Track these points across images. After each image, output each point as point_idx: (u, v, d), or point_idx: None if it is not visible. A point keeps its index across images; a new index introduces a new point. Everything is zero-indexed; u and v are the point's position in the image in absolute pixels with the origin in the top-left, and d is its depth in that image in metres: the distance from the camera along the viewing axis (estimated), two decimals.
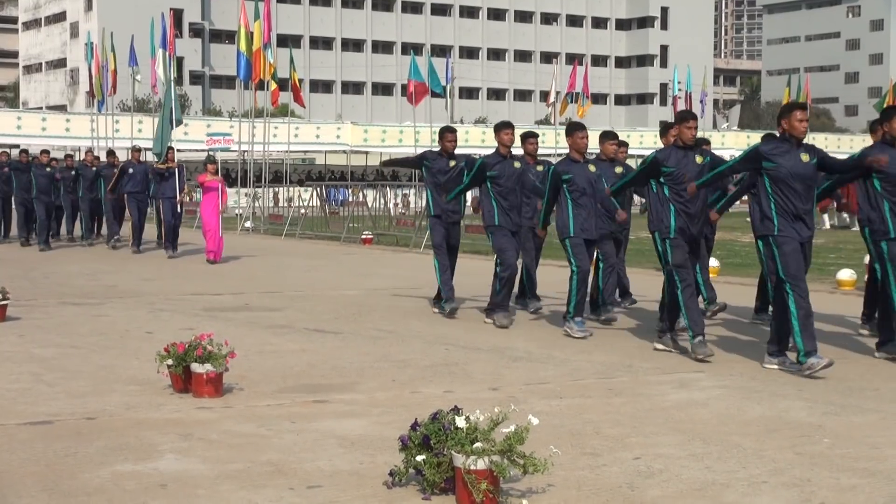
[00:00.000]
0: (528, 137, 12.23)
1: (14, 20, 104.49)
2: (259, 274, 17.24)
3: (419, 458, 5.10)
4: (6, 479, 5.42)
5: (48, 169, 23.13)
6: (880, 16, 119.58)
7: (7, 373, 8.30)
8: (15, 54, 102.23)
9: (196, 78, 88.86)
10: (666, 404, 7.37)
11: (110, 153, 24.45)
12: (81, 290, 14.40)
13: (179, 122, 22.86)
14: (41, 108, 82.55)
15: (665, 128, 10.57)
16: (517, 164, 11.53)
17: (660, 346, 9.73)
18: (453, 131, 12.65)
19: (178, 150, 25.66)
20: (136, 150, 22.70)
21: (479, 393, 7.66)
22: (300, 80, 42.26)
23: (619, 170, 11.68)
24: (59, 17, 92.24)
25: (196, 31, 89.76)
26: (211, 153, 22.95)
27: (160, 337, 9.49)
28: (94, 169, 23.12)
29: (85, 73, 60.84)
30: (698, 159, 9.46)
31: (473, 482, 4.86)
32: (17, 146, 45.24)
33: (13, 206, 24.05)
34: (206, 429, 6.51)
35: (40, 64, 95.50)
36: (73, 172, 23.25)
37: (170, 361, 7.49)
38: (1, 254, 20.95)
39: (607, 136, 11.92)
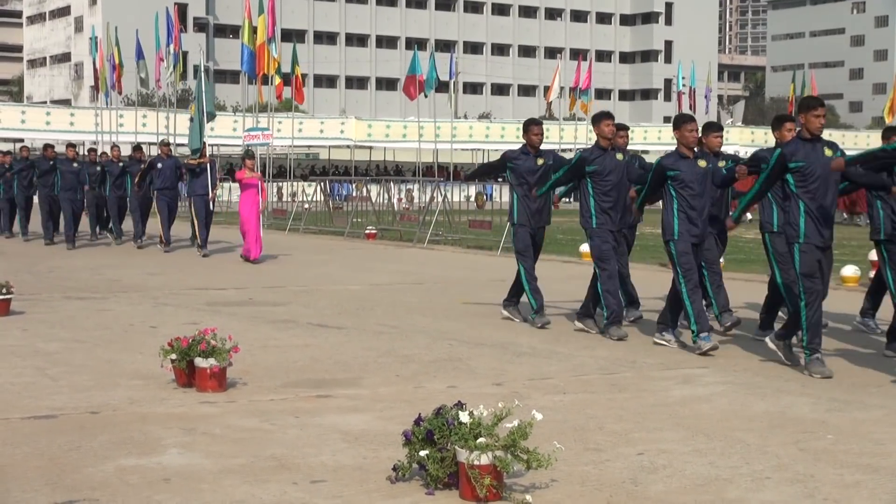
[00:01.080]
0: (619, 130, 10.87)
1: (18, 14, 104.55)
2: (262, 269, 17.24)
3: (423, 452, 5.11)
4: (10, 473, 5.43)
5: (75, 165, 22.01)
6: (885, 12, 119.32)
7: (11, 367, 8.31)
8: (19, 48, 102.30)
9: None
10: (669, 400, 7.37)
11: (136, 148, 23.55)
12: (85, 285, 14.42)
13: (213, 117, 22.08)
14: (45, 102, 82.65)
15: (778, 121, 9.78)
16: (620, 157, 10.53)
17: (660, 341, 9.72)
18: (539, 123, 11.33)
19: (180, 146, 25.05)
20: (165, 145, 21.75)
21: (483, 388, 7.66)
22: (304, 75, 42.22)
23: (721, 164, 10.30)
24: (64, 12, 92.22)
25: (200, 26, 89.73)
26: (249, 148, 21.47)
27: (164, 331, 9.50)
28: (121, 165, 22.12)
29: (89, 68, 60.97)
30: (827, 152, 8.62)
31: (477, 477, 4.87)
32: (21, 140, 45.29)
33: (24, 205, 23.22)
34: (209, 423, 6.51)
35: (44, 58, 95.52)
36: (98, 168, 22.14)
37: (173, 356, 7.50)
38: (5, 248, 20.96)
39: (711, 129, 10.54)
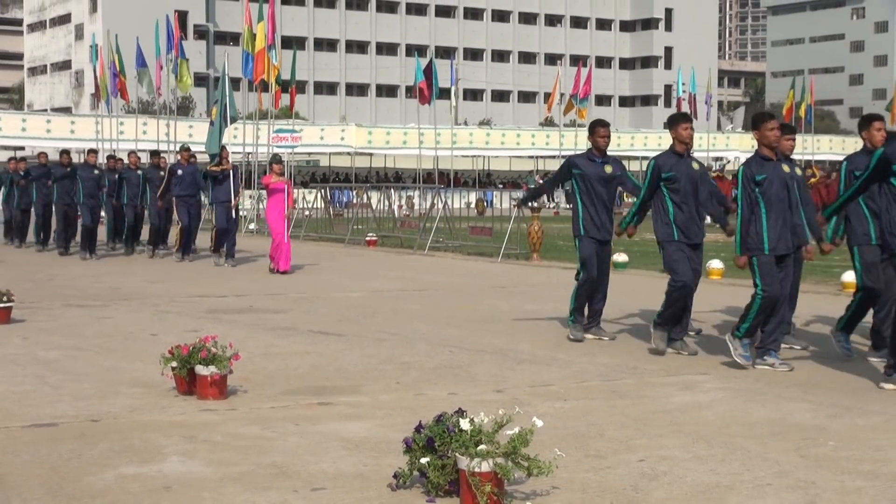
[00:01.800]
0: (784, 133, 9.52)
1: (19, 22, 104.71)
2: (263, 276, 17.24)
3: (423, 460, 5.10)
4: (11, 482, 5.42)
5: (96, 171, 21.02)
6: (885, 18, 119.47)
7: (11, 375, 8.31)
8: (20, 56, 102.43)
9: (200, 80, 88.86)
10: (670, 406, 7.37)
11: (155, 154, 22.63)
12: (86, 293, 14.42)
13: (235, 119, 21.09)
14: (46, 110, 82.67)
15: (866, 121, 9.32)
16: (696, 166, 9.81)
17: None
18: (606, 125, 10.55)
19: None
20: (185, 150, 20.73)
21: (484, 395, 7.66)
22: (304, 83, 42.25)
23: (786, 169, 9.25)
24: (64, 19, 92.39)
25: (200, 33, 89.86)
26: (277, 153, 19.77)
27: (164, 339, 9.50)
28: (139, 172, 21.42)
29: (90, 75, 61.00)
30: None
31: (478, 484, 4.86)
32: (21, 148, 45.35)
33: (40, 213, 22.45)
34: (210, 431, 6.51)
35: (45, 66, 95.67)
36: (116, 176, 21.29)
37: (174, 363, 7.49)
38: (5, 256, 20.97)
39: (783, 131, 9.49)
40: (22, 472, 5.59)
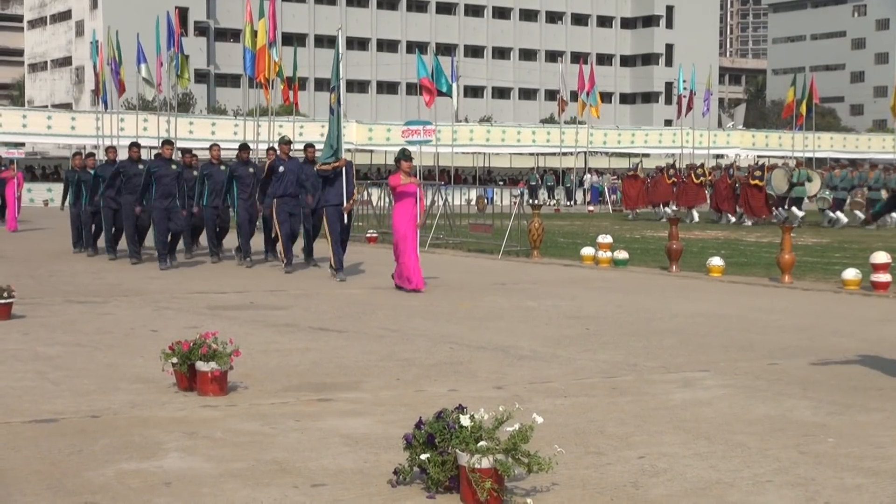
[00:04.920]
0: None
1: (19, 18, 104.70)
2: (263, 272, 17.24)
3: (423, 456, 5.11)
4: (11, 477, 5.43)
5: (174, 167, 17.89)
6: (886, 15, 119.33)
7: (12, 371, 8.31)
8: (20, 52, 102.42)
9: (201, 76, 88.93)
10: (670, 403, 7.37)
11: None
12: (86, 289, 14.42)
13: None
14: (46, 106, 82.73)
15: None
16: None
17: None
18: None
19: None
20: (286, 143, 17.81)
21: (484, 392, 7.66)
22: (304, 80, 42.23)
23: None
24: (65, 16, 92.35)
25: (201, 30, 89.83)
26: (406, 149, 15.66)
27: (165, 335, 9.50)
28: (223, 168, 18.95)
29: (90, 72, 61.02)
30: None
31: (478, 481, 4.86)
32: (22, 144, 45.35)
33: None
34: (210, 427, 6.51)
35: (45, 62, 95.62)
36: (194, 173, 18.71)
37: (174, 360, 7.50)
38: (6, 251, 20.95)
39: None
40: (22, 468, 5.59)
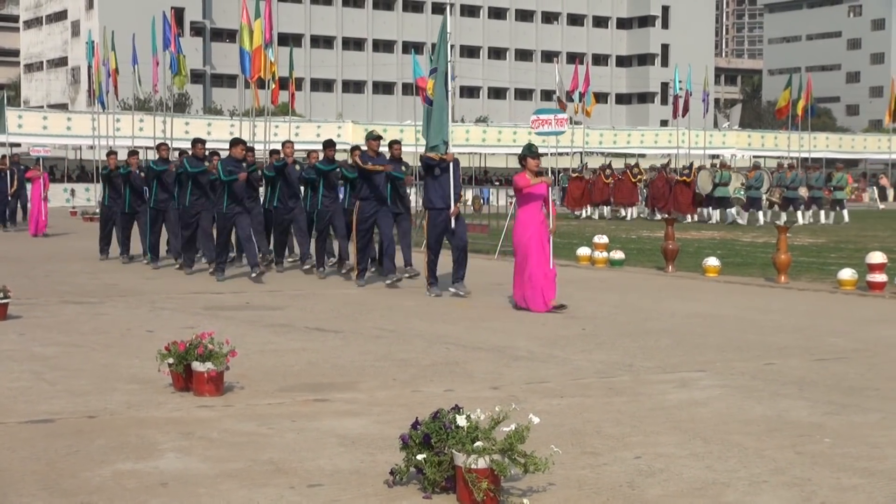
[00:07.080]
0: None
1: (15, 18, 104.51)
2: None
3: (420, 456, 5.11)
4: (7, 478, 5.42)
5: (244, 165, 16.04)
6: (881, 15, 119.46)
7: (8, 371, 8.30)
8: (16, 53, 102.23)
9: (197, 77, 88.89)
10: (667, 403, 7.37)
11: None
12: (82, 289, 14.40)
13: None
14: (42, 106, 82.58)
15: None
16: None
17: None
18: None
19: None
20: (375, 139, 15.62)
21: (480, 392, 7.66)
22: (300, 80, 42.18)
23: None
24: (61, 16, 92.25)
25: (197, 30, 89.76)
26: (532, 143, 13.26)
27: (161, 335, 9.50)
28: (298, 166, 17.39)
29: (86, 72, 60.91)
30: None
31: (474, 481, 4.87)
32: (17, 145, 45.24)
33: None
34: (206, 427, 6.51)
35: (41, 62, 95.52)
36: (259, 174, 16.79)
37: (171, 360, 7.50)
38: (1, 252, 20.92)
39: None
40: (18, 468, 5.58)
